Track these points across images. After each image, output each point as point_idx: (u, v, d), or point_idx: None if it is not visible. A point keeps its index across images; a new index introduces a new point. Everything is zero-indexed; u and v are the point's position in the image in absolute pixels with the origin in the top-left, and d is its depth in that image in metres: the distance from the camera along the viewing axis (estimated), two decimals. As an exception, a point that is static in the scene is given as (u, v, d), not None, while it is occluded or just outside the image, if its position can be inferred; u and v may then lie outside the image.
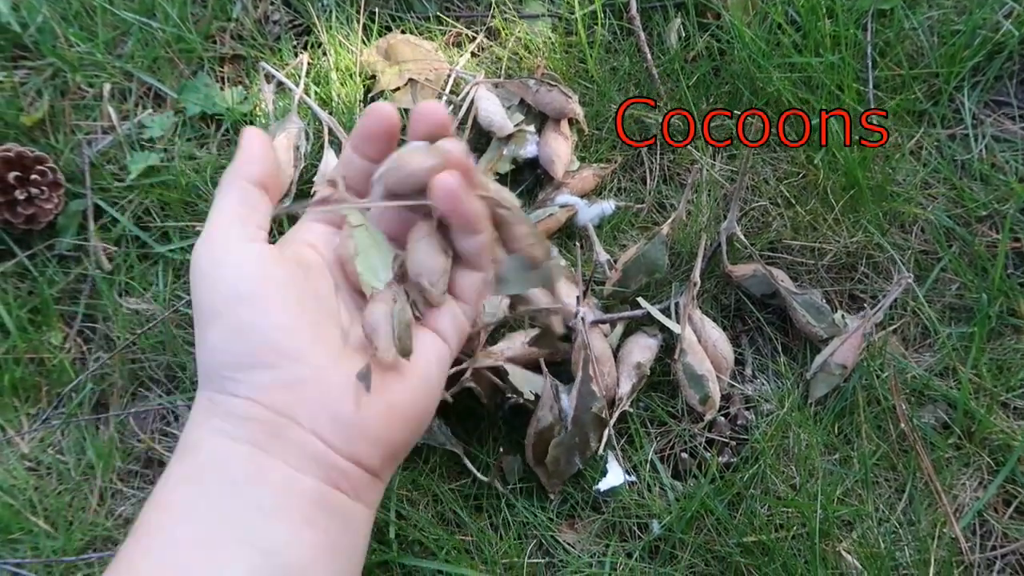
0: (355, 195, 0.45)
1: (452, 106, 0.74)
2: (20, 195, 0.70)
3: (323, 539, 0.36)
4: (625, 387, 0.63)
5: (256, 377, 0.36)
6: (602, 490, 0.62)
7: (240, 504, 0.35)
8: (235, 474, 0.35)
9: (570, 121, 0.72)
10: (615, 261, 0.68)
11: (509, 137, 0.72)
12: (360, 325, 0.40)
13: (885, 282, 0.68)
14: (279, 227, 0.71)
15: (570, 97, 0.71)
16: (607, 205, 0.70)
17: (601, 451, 0.63)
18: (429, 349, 0.42)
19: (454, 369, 0.62)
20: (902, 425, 0.63)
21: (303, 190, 0.71)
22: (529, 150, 0.71)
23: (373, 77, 0.76)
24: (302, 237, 0.44)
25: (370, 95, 0.76)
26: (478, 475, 0.63)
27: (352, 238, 0.44)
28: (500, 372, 0.63)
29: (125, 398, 0.69)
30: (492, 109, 0.72)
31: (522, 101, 0.74)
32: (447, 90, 0.74)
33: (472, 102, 0.73)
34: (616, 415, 0.63)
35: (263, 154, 0.42)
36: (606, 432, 0.62)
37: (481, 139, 0.73)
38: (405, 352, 0.40)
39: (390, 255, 0.44)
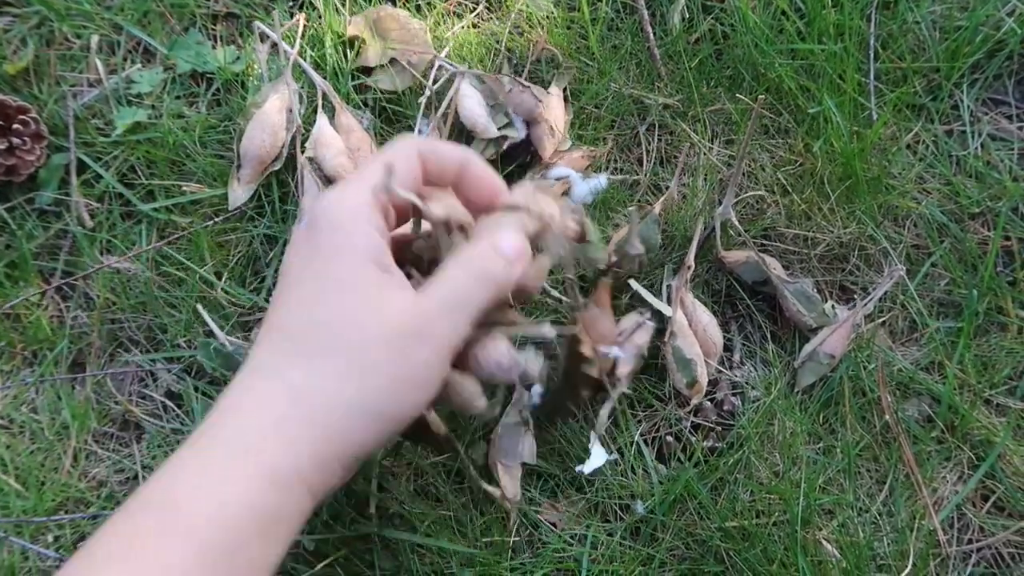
0: None
1: (431, 101, 0.70)
2: (1, 145, 0.68)
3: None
4: (624, 369, 0.61)
5: None
6: (586, 472, 0.61)
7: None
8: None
9: (565, 99, 0.71)
10: (608, 241, 0.67)
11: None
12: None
13: (876, 274, 0.68)
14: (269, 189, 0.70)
15: (540, 101, 0.69)
16: (600, 179, 0.69)
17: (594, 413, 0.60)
18: None
19: None
20: (886, 417, 0.64)
21: (295, 154, 0.69)
22: (519, 135, 0.69)
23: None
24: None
25: (350, 66, 0.74)
26: (460, 454, 0.62)
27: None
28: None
29: (103, 358, 0.68)
30: (476, 110, 0.69)
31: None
32: (430, 79, 0.71)
33: (454, 96, 0.69)
34: (617, 394, 0.60)
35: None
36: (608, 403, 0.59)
37: (462, 137, 0.70)
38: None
39: None
